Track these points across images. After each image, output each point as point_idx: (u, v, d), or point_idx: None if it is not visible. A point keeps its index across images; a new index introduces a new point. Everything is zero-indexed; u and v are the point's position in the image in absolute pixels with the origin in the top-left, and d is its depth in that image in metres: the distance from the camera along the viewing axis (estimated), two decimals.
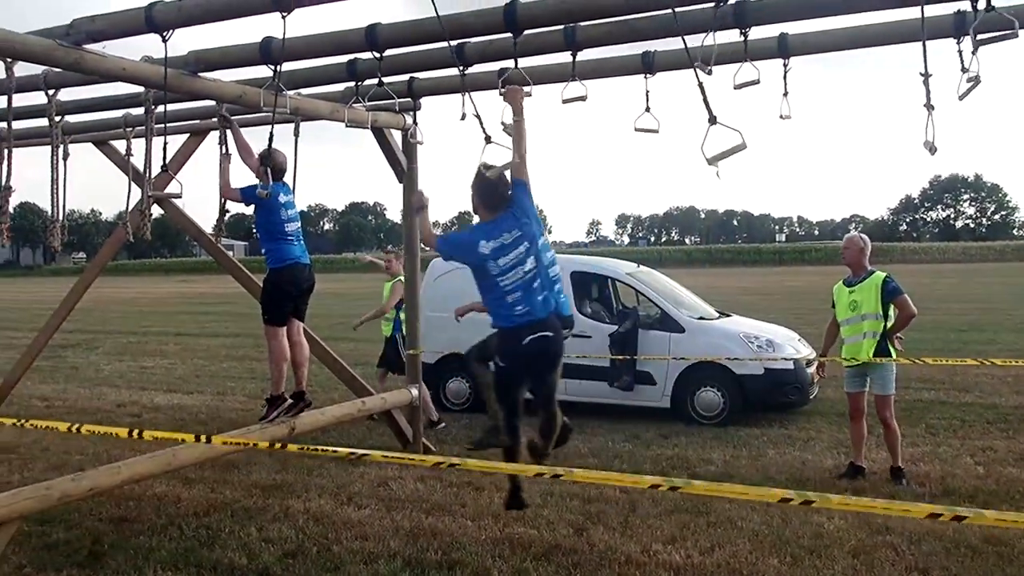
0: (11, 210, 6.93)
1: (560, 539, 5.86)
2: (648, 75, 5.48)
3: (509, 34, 4.83)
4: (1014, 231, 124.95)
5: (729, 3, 4.39)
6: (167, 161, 6.42)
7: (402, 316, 9.08)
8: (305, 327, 7.45)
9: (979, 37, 3.78)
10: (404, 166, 8.17)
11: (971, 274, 49.21)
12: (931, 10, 4.21)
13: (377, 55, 5.26)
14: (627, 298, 11.32)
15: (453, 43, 5.01)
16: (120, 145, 8.70)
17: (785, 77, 5.11)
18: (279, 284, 6.94)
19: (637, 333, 9.77)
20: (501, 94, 5.22)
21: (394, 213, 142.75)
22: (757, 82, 4.77)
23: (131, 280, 67.17)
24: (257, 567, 5.42)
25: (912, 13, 4.51)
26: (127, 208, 7.76)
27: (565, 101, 5.11)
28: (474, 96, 5.22)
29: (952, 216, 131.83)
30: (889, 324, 7.13)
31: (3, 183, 6.55)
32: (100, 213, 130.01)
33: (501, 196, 5.08)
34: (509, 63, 5.17)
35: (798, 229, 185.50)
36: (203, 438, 4.80)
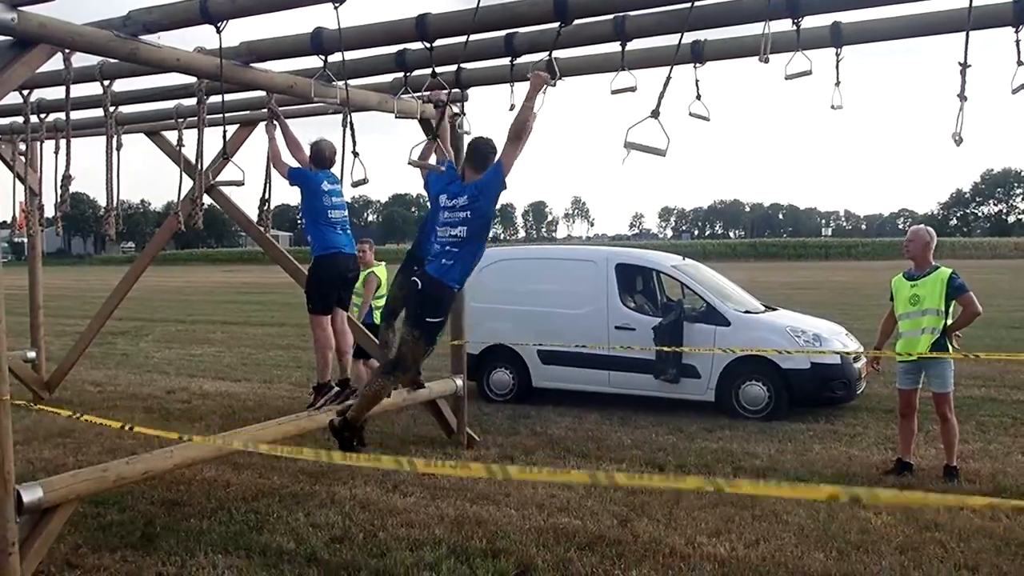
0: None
1: (604, 530, 5.87)
2: (698, 64, 5.41)
3: (557, 23, 4.80)
4: None
5: None
6: (226, 149, 6.53)
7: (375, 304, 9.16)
8: (349, 315, 7.54)
9: None
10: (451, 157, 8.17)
11: (1023, 270, 48.11)
12: None
13: (428, 45, 5.28)
14: (672, 291, 11.26)
15: (501, 33, 5.03)
16: (171, 135, 8.86)
17: (837, 66, 5.03)
18: (323, 274, 7.03)
19: (682, 326, 9.69)
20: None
21: None
22: (809, 72, 4.71)
23: (178, 269, 68.26)
24: (305, 552, 5.50)
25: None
26: (179, 197, 7.92)
27: (614, 92, 5.05)
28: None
29: (1004, 211, 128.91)
30: (949, 321, 7.01)
31: (64, 172, 6.71)
32: (149, 203, 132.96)
33: (472, 166, 5.59)
34: (557, 53, 5.15)
35: (845, 223, 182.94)
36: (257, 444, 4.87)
